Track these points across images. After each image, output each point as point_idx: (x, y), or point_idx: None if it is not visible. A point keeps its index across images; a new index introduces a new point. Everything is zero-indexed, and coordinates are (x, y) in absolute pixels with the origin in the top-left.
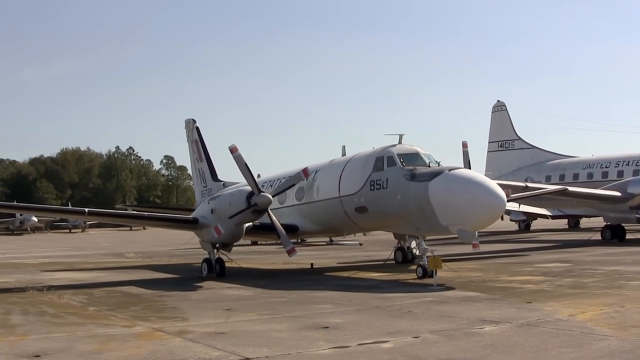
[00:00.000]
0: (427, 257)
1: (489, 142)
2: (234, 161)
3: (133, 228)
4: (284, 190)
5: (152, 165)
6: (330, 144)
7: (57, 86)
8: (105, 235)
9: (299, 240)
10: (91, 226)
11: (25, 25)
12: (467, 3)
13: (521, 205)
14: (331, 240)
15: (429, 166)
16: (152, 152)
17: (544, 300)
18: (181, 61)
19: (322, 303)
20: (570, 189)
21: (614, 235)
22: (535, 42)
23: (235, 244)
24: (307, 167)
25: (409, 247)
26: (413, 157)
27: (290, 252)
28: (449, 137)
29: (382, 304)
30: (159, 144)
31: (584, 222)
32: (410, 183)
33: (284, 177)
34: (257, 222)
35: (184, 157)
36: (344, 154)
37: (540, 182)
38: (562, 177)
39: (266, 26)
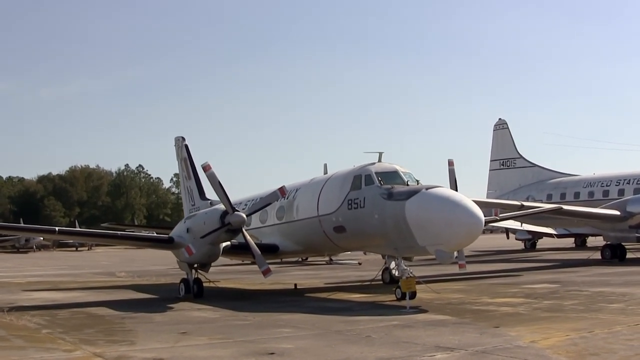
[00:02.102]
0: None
1: (491, 161)
2: (207, 180)
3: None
4: (259, 210)
5: (162, 183)
6: (333, 162)
7: (68, 105)
8: (109, 254)
9: (301, 259)
10: (98, 244)
11: (42, 46)
12: (468, 23)
13: (523, 225)
14: (331, 260)
15: (407, 185)
16: (162, 170)
17: (513, 324)
18: (186, 82)
19: (284, 327)
20: (565, 207)
21: (614, 254)
22: (537, 61)
23: (235, 263)
24: (284, 186)
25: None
26: (391, 176)
27: (266, 273)
28: (451, 155)
29: (345, 327)
30: (169, 162)
31: (591, 241)
32: (387, 202)
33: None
34: (235, 241)
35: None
36: (325, 173)
37: (541, 201)
38: (563, 196)
39: (258, 45)
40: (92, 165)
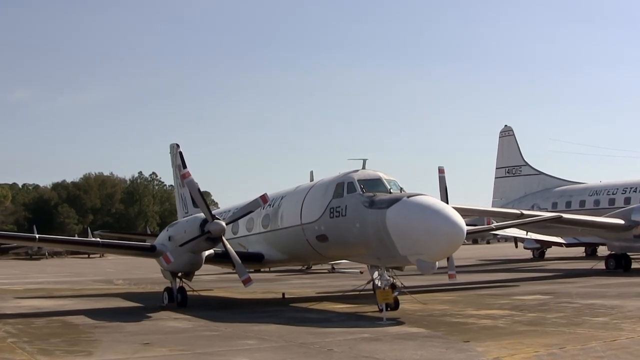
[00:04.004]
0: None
1: (497, 168)
2: (187, 187)
3: None
4: (240, 218)
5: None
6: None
7: (84, 113)
8: (118, 262)
9: (304, 267)
10: (109, 252)
11: (60, 54)
12: (473, 29)
13: (533, 234)
14: (333, 268)
15: (390, 192)
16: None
17: (485, 339)
18: (195, 91)
19: (250, 338)
20: (566, 216)
21: (619, 264)
22: (543, 67)
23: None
24: (265, 194)
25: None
26: (374, 183)
27: (246, 282)
28: (456, 163)
29: (311, 340)
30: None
31: (602, 250)
32: (368, 210)
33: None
34: (219, 250)
35: (207, 183)
36: (312, 180)
37: (546, 209)
38: (568, 204)
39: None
40: (106, 173)
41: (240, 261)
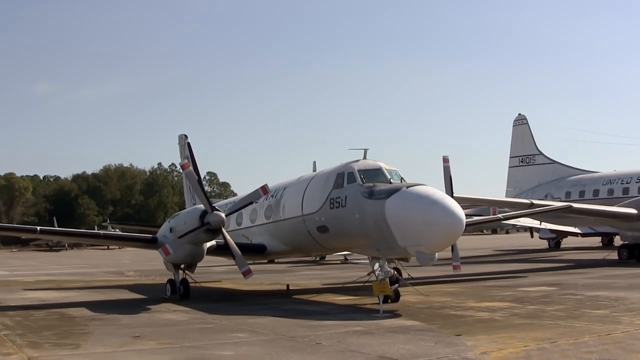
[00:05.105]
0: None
1: (510, 157)
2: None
3: None
4: (240, 209)
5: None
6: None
7: (106, 105)
8: (135, 253)
9: (318, 258)
10: None
11: (83, 47)
12: (488, 17)
13: (548, 224)
14: (346, 259)
15: (390, 182)
16: None
17: (478, 332)
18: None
19: (242, 331)
20: (576, 205)
21: (632, 255)
22: (558, 56)
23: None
24: (266, 184)
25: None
26: (375, 173)
27: (246, 274)
28: (470, 153)
29: (302, 333)
30: (202, 161)
31: (619, 240)
32: (368, 201)
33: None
34: (221, 241)
35: (227, 174)
36: (314, 170)
37: (559, 199)
38: (582, 194)
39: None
40: (126, 164)
41: (240, 253)
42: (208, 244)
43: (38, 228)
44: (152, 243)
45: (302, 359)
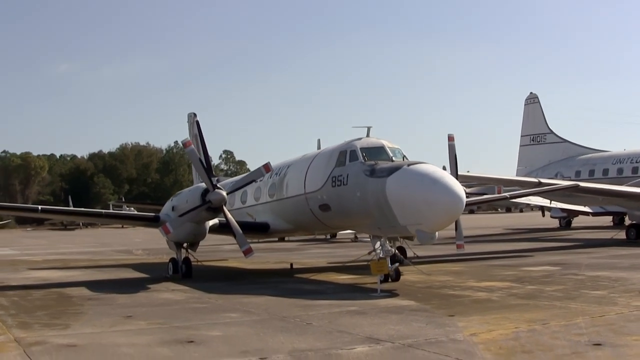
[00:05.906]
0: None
1: (521, 136)
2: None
3: None
4: (242, 187)
5: (211, 160)
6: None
7: (125, 84)
8: (148, 232)
9: (328, 237)
10: None
11: (105, 26)
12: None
13: (558, 203)
14: (356, 237)
15: (392, 161)
16: (211, 147)
17: (471, 313)
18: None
19: (237, 311)
20: (582, 184)
21: (639, 234)
22: (571, 35)
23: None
24: (268, 162)
25: (400, 247)
26: (377, 151)
27: (247, 253)
28: (482, 132)
29: (295, 313)
30: (218, 139)
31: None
32: (369, 179)
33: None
34: (223, 220)
35: (243, 152)
36: (319, 148)
37: (569, 178)
38: (591, 173)
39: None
40: (143, 143)
41: (240, 231)
42: (210, 223)
43: (39, 207)
44: (154, 222)
45: (289, 339)
